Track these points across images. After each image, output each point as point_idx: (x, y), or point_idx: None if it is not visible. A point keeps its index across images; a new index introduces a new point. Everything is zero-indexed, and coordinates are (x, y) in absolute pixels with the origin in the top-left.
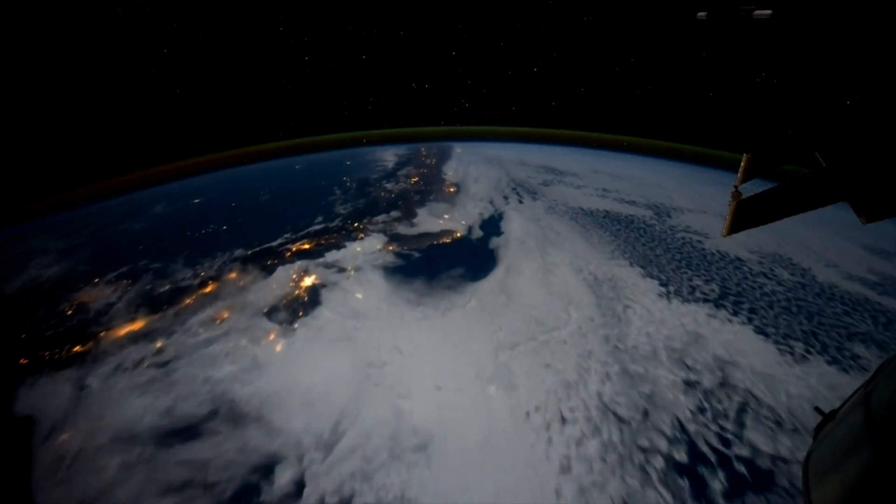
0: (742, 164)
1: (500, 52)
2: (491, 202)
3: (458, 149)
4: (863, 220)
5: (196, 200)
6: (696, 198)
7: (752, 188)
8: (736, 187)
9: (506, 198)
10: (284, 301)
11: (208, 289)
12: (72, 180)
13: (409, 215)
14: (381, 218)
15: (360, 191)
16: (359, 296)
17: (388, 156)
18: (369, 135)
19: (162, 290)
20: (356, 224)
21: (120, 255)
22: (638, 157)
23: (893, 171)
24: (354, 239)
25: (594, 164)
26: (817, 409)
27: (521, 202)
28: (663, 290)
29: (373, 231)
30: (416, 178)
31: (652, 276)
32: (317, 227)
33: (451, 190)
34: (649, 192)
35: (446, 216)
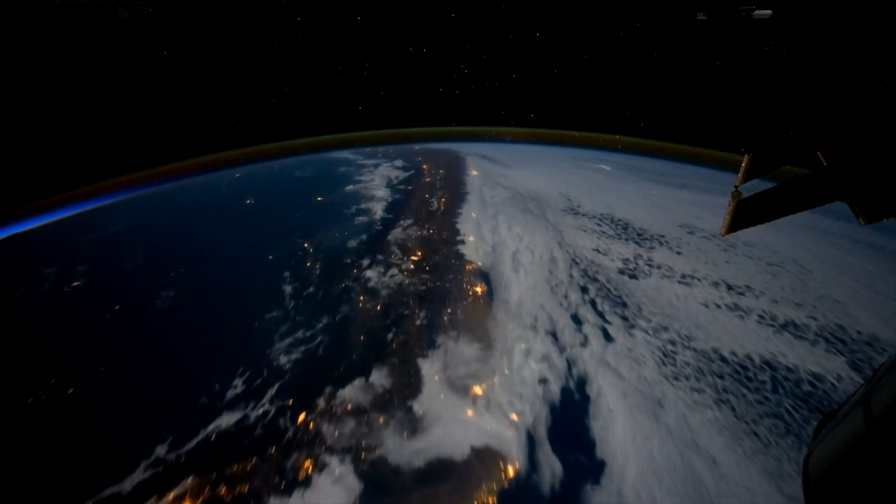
0: (743, 164)
1: (501, 14)
2: (553, 335)
3: (474, 170)
4: (862, 222)
5: (75, 284)
6: (873, 297)
7: (752, 188)
8: (736, 187)
9: (577, 321)
10: None
11: None
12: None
13: (405, 386)
14: (351, 392)
15: (323, 287)
16: None
17: (378, 185)
18: (364, 135)
19: None
20: (302, 416)
21: None
22: (691, 167)
23: (894, 171)
24: (293, 480)
25: (675, 208)
26: (817, 409)
27: (606, 336)
28: None
29: (332, 445)
30: (419, 254)
31: None
32: (225, 425)
33: (479, 290)
34: (804, 293)
35: (477, 389)
